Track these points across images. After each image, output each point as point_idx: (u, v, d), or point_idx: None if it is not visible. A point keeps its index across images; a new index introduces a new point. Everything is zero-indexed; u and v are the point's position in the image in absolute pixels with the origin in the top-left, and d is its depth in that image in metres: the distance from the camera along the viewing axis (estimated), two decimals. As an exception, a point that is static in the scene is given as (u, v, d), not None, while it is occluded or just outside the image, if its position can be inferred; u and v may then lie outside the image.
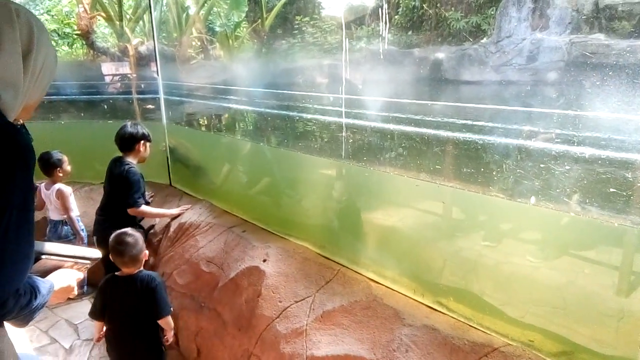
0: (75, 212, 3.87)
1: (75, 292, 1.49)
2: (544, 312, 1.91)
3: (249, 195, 3.56)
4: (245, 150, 3.70)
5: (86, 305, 3.89)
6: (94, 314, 2.54)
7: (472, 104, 2.61)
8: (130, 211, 3.29)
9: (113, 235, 2.49)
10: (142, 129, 3.36)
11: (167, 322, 2.55)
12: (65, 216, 3.82)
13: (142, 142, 3.35)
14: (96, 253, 1.55)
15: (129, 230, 2.53)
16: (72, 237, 3.87)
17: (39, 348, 3.32)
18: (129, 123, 3.36)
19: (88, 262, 1.53)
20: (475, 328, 2.02)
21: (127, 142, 3.30)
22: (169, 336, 2.61)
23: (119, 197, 3.26)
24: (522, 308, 1.97)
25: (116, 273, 2.55)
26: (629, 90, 1.79)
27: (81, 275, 1.51)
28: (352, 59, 2.95)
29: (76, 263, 1.49)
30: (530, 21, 2.95)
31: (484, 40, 3.44)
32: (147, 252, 2.58)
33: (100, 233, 3.26)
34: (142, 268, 2.56)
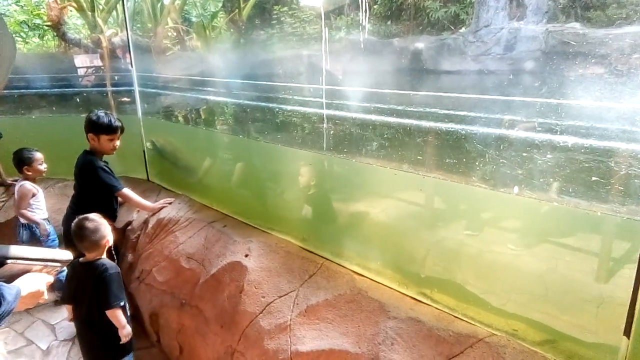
0: (41, 215, 3.73)
1: (46, 296, 1.42)
2: (526, 300, 1.92)
3: (229, 189, 3.50)
4: (225, 143, 3.63)
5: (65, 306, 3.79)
6: (63, 299, 2.67)
7: (453, 94, 2.59)
8: (119, 197, 3.27)
9: (75, 219, 2.50)
10: (100, 118, 3.05)
11: (115, 316, 2.47)
12: (38, 217, 3.69)
13: (90, 134, 3.08)
14: (67, 255, 1.48)
15: (91, 215, 2.53)
16: (46, 239, 3.73)
17: (14, 351, 3.21)
18: (95, 110, 3.12)
19: (58, 264, 1.46)
20: (459, 319, 2.02)
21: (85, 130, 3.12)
22: (120, 334, 2.51)
23: (86, 191, 3.16)
24: (504, 296, 1.98)
25: (80, 259, 2.54)
26: (605, 79, 1.80)
27: (51, 278, 1.44)
28: (332, 49, 2.91)
29: (45, 266, 1.41)
30: (507, 10, 2.95)
31: (463, 29, 3.43)
32: (109, 239, 2.55)
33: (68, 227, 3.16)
34: (103, 255, 2.55)
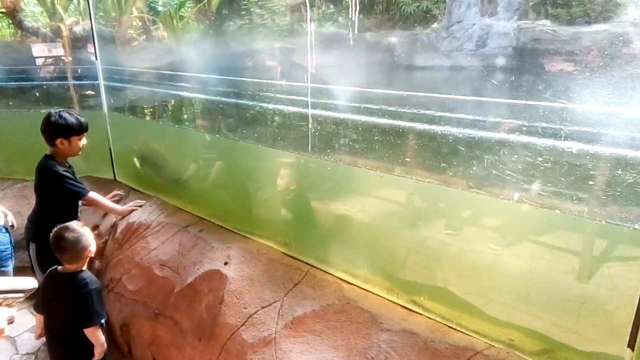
0: None
1: (7, 332, 1.23)
2: (524, 308, 1.86)
3: (205, 191, 3.31)
4: (199, 141, 3.43)
5: (24, 315, 3.52)
6: (37, 306, 2.45)
7: (426, 93, 2.51)
8: (82, 202, 3.03)
9: (55, 229, 2.32)
10: (67, 119, 2.76)
11: (93, 335, 2.31)
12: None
13: (59, 139, 2.78)
14: (31, 283, 1.28)
15: (72, 224, 2.35)
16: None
17: (-31, 369, 2.95)
18: (53, 112, 2.79)
19: (20, 295, 1.26)
20: (455, 329, 1.94)
21: (45, 135, 2.80)
22: (96, 352, 2.35)
23: (48, 199, 2.89)
24: (501, 304, 1.91)
25: (58, 268, 2.38)
26: (575, 77, 1.77)
27: (12, 311, 1.25)
28: (302, 42, 2.78)
29: (5, 299, 1.22)
30: (479, 6, 2.92)
31: (435, 25, 3.38)
32: (92, 249, 2.37)
33: (29, 233, 2.94)
34: (84, 267, 2.39)
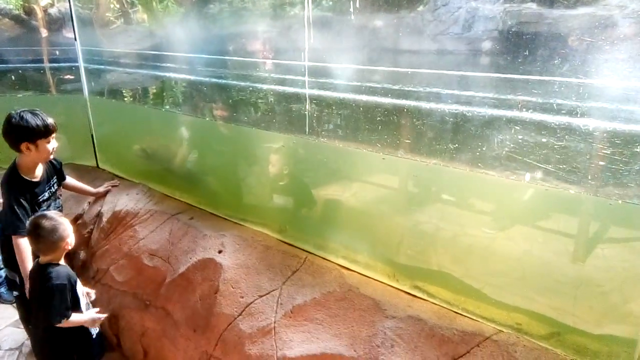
0: None
1: None
2: (532, 292, 1.82)
3: (194, 177, 3.18)
4: (187, 125, 3.29)
5: (6, 309, 3.38)
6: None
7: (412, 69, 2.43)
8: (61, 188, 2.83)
9: (32, 217, 2.22)
10: (30, 122, 2.39)
11: (67, 324, 2.22)
12: None
13: (24, 144, 2.41)
14: None
15: (50, 213, 2.23)
16: None
17: (-52, 366, 2.81)
18: (14, 112, 2.41)
19: None
20: (462, 315, 1.89)
21: (7, 140, 2.43)
22: (91, 327, 2.38)
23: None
24: (507, 288, 1.87)
25: (38, 258, 2.27)
26: (562, 56, 1.73)
27: None
28: (285, 25, 2.66)
29: None
30: None
31: (421, 8, 3.30)
32: (69, 241, 2.24)
33: None
34: (60, 261, 2.27)
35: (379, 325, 1.89)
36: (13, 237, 2.41)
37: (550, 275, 1.77)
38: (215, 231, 2.64)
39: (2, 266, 3.42)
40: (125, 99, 4.09)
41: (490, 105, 1.85)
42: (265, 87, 2.76)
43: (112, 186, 3.35)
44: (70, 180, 2.97)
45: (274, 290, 2.23)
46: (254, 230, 2.65)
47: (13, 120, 2.38)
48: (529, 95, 1.72)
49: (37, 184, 2.56)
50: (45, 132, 2.45)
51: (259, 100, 2.87)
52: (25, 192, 2.48)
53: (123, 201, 3.18)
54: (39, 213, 2.21)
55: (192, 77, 3.26)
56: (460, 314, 1.90)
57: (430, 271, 2.08)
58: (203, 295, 2.39)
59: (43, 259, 2.22)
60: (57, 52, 4.42)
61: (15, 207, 2.42)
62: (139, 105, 3.97)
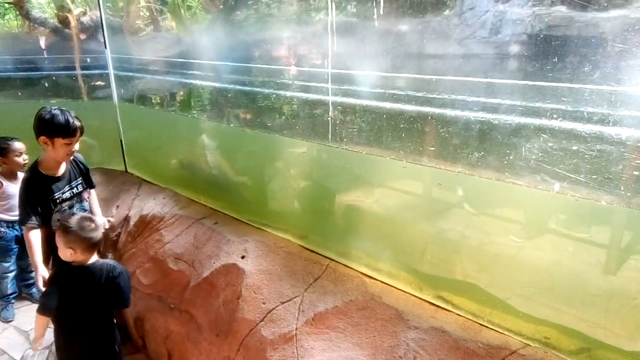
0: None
1: None
2: (561, 305, 1.76)
3: (219, 182, 3.22)
4: (213, 131, 3.33)
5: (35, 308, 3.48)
6: (47, 308, 2.23)
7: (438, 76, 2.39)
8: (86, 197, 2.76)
9: (76, 218, 2.22)
10: (55, 117, 2.40)
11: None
12: None
13: (42, 137, 2.41)
14: None
15: (91, 215, 2.35)
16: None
17: (-17, 363, 2.91)
18: (48, 107, 2.46)
19: None
20: (487, 327, 1.84)
21: (33, 130, 2.46)
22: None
23: None
24: (534, 300, 1.81)
25: (71, 263, 2.25)
26: (591, 62, 1.66)
27: None
28: (310, 31, 2.66)
29: None
30: None
31: (447, 12, 3.25)
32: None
33: None
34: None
35: (401, 336, 1.86)
36: (23, 228, 2.47)
37: (580, 287, 1.71)
38: (239, 236, 2.66)
39: (32, 269, 3.54)
40: (153, 105, 4.18)
41: (518, 113, 1.81)
42: (288, 94, 2.76)
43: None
44: (93, 194, 2.86)
45: (295, 297, 2.22)
46: (276, 236, 2.66)
47: (42, 112, 2.43)
48: (558, 103, 1.67)
49: (56, 180, 2.56)
50: (64, 131, 2.42)
51: (282, 107, 2.88)
52: (40, 186, 2.50)
53: (150, 205, 3.24)
54: (83, 214, 2.27)
55: (217, 84, 3.30)
56: (485, 326, 1.85)
57: (454, 281, 2.04)
58: (226, 300, 2.41)
59: (86, 260, 2.23)
60: (89, 60, 4.55)
61: (25, 199, 2.46)
62: (166, 111, 4.05)
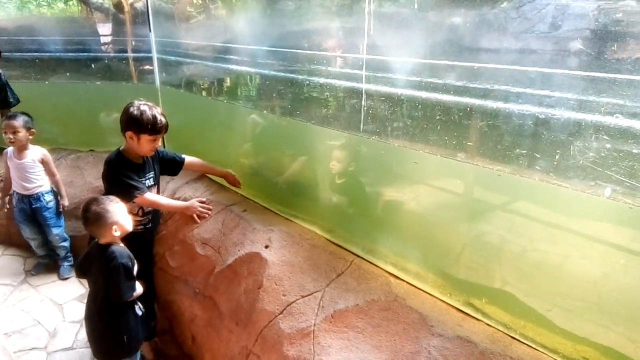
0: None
1: None
2: (603, 320, 1.57)
3: (251, 170, 3.18)
4: (247, 118, 3.29)
5: (73, 283, 3.61)
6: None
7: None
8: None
9: (87, 199, 2.29)
10: (144, 114, 2.47)
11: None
12: None
13: (129, 132, 2.51)
14: None
15: (102, 198, 2.26)
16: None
17: (19, 331, 3.03)
18: (137, 101, 2.54)
19: None
20: (519, 341, 1.68)
21: (120, 124, 2.56)
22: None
23: (107, 189, 2.68)
24: (575, 312, 1.63)
25: (96, 240, 2.32)
26: None
27: None
28: (361, 23, 2.53)
29: None
30: None
31: (504, 4, 3.04)
32: (122, 225, 2.26)
33: None
34: (114, 241, 2.28)
35: (423, 342, 1.74)
36: (136, 201, 2.57)
37: (631, 303, 1.52)
38: (265, 225, 2.61)
39: (66, 237, 3.66)
40: (194, 90, 4.20)
41: (575, 109, 1.63)
42: (321, 80, 2.66)
43: (205, 214, 2.97)
44: (149, 196, 2.70)
45: (316, 291, 2.14)
46: (303, 227, 2.58)
47: (131, 107, 2.50)
48: (621, 99, 1.48)
49: (142, 166, 2.68)
50: (152, 129, 2.49)
51: (316, 95, 2.79)
52: (132, 170, 2.60)
53: (183, 189, 3.26)
54: (92, 197, 2.27)
55: (252, 70, 3.26)
56: (517, 340, 1.70)
57: (489, 288, 1.88)
58: (247, 289, 2.36)
59: (101, 240, 2.27)
60: (139, 44, 4.65)
61: (125, 178, 2.53)
62: (205, 96, 4.06)
